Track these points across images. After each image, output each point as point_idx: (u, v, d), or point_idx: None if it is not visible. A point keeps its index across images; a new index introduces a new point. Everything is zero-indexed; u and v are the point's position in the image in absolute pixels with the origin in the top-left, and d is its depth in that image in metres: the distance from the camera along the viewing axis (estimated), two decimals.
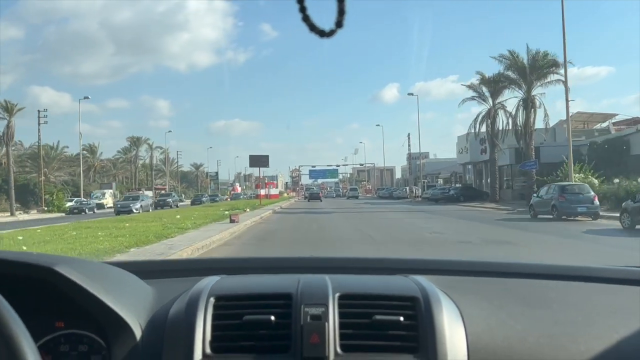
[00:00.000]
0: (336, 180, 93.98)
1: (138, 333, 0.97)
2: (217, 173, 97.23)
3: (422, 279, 1.12)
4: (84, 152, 55.40)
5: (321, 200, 51.65)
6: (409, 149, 53.85)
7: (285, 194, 68.41)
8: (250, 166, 44.63)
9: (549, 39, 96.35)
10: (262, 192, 50.90)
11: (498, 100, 33.23)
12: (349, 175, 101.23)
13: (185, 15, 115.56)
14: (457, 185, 43.84)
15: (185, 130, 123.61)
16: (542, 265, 1.38)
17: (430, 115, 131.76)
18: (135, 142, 65.75)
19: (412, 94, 62.15)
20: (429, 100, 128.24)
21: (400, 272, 1.25)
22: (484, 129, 32.85)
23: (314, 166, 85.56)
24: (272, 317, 0.97)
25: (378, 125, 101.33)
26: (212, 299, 1.01)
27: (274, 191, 61.86)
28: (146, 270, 1.33)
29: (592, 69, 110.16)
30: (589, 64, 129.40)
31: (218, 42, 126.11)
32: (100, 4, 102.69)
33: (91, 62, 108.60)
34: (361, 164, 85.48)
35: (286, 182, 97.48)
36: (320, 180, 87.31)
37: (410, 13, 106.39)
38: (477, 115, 34.42)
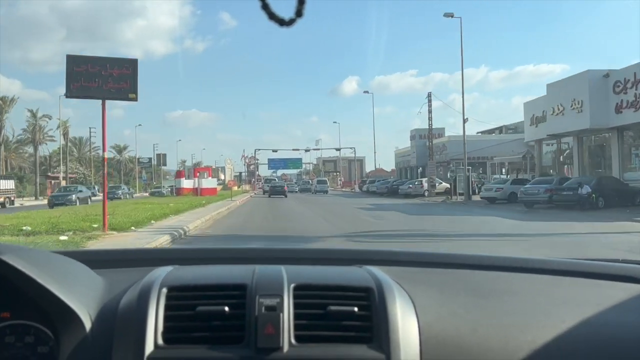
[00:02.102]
0: (298, 171, 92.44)
1: (88, 324, 1.00)
2: (151, 159, 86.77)
3: (376, 270, 1.20)
4: None
5: (286, 196, 41.96)
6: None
7: (237, 187, 57.57)
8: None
9: (504, 36, 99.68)
10: (188, 184, 41.91)
11: None
12: (312, 167, 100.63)
13: (141, 1, 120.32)
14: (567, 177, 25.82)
15: (141, 120, 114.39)
16: (493, 257, 1.52)
17: (389, 109, 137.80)
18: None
19: (367, 92, 56.57)
20: (388, 94, 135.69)
21: (354, 263, 1.33)
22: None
23: (275, 150, 75.77)
24: (226, 308, 1.02)
25: (335, 122, 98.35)
26: (164, 290, 1.06)
27: (208, 183, 48.71)
28: (96, 260, 1.38)
29: (548, 66, 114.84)
30: (544, 62, 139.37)
31: (175, 30, 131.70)
32: None
33: (41, 48, 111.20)
34: (337, 149, 77.42)
35: (240, 173, 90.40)
36: (280, 172, 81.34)
37: (370, 5, 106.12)
38: None
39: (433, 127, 39.84)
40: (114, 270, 1.31)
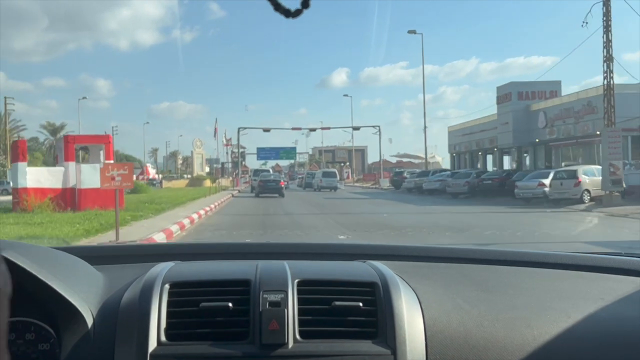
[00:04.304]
0: (290, 162, 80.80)
1: (89, 321, 1.07)
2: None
3: (380, 265, 1.28)
4: None
5: (282, 195, 32.01)
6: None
7: (211, 183, 44.29)
8: None
9: (496, 26, 76.96)
10: (38, 177, 16.38)
11: None
12: (307, 157, 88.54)
13: None
14: None
15: (126, 111, 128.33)
16: (497, 251, 1.60)
17: (379, 102, 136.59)
18: None
19: (347, 95, 64.91)
20: (378, 86, 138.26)
21: (358, 257, 1.42)
22: None
23: (266, 130, 56.32)
24: (230, 304, 1.09)
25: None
26: (167, 286, 1.13)
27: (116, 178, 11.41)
28: (96, 256, 1.45)
29: (538, 58, 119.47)
30: (535, 54, 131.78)
31: (162, 20, 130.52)
32: None
33: (24, 37, 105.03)
34: (355, 128, 59.75)
35: (223, 164, 69.30)
36: (270, 163, 66.59)
37: None
38: None
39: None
40: (114, 267, 1.38)
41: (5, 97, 54.55)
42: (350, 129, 60.98)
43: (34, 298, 1.03)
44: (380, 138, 57.61)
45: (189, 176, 64.94)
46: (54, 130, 66.72)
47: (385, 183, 49.89)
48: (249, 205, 25.17)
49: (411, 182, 37.98)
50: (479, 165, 42.75)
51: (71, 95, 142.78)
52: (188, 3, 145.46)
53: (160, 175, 74.54)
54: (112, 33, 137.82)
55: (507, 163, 42.08)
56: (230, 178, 57.84)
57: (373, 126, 59.57)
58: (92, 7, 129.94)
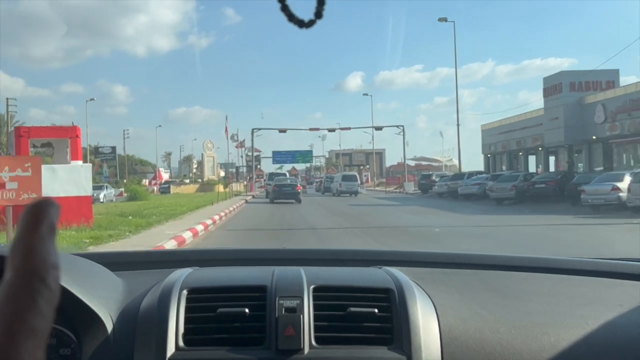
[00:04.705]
0: (307, 166, 79.35)
1: (109, 326, 1.08)
2: (114, 148, 65.62)
3: (395, 271, 1.28)
4: None
5: (299, 201, 29.30)
6: None
7: (223, 188, 39.09)
8: None
9: (512, 29, 76.48)
10: None
11: None
12: (324, 160, 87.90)
13: None
14: None
15: (143, 117, 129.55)
16: (513, 257, 1.58)
17: (394, 105, 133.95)
18: None
19: (366, 94, 61.51)
20: (393, 90, 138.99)
21: (374, 263, 1.43)
22: None
23: (282, 131, 53.19)
24: (247, 310, 1.10)
25: (365, 94, 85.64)
26: (184, 292, 1.14)
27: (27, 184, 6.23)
28: (116, 262, 1.47)
29: (555, 60, 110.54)
30: (552, 56, 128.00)
31: (178, 26, 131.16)
32: None
33: (43, 44, 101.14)
34: (377, 128, 56.39)
35: (237, 168, 68.23)
36: (286, 167, 64.07)
37: (375, 1, 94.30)
38: None
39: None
40: (134, 272, 1.40)
41: (7, 99, 51.79)
42: (371, 130, 58.16)
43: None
44: (404, 138, 53.61)
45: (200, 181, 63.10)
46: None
47: (410, 187, 46.63)
48: (262, 214, 21.68)
49: (443, 186, 33.87)
50: (518, 167, 37.83)
51: (89, 101, 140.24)
52: (204, 9, 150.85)
53: (172, 180, 72.83)
54: (130, 39, 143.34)
55: (553, 164, 37.30)
56: (245, 182, 54.92)
57: (396, 126, 55.71)
58: (110, 13, 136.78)
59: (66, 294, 0.99)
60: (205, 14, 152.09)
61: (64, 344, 1.05)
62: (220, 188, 40.58)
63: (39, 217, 0.38)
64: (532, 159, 40.15)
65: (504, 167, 40.70)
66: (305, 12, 0.53)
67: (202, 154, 65.02)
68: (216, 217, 17.41)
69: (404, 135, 52.98)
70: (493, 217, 18.48)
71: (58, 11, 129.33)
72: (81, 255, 1.37)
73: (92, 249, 10.23)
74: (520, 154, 40.20)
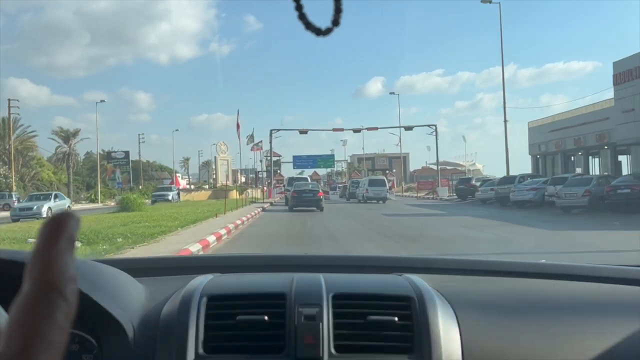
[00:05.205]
0: (328, 170, 78.01)
1: (130, 332, 1.08)
2: (128, 153, 62.98)
3: (416, 278, 1.25)
4: None
5: (321, 209, 25.73)
6: None
7: (239, 194, 35.46)
8: None
9: (534, 32, 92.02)
10: None
11: None
12: (345, 165, 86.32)
13: (165, 5, 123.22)
14: None
15: (166, 124, 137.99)
16: (536, 264, 1.54)
17: (415, 110, 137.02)
18: None
19: (393, 93, 61.89)
20: (413, 95, 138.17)
21: (394, 270, 1.40)
22: None
23: (303, 132, 50.08)
24: (266, 317, 1.09)
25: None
26: (205, 299, 1.15)
27: None
28: (138, 268, 1.48)
29: (578, 63, 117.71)
30: (574, 59, 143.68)
31: (200, 33, 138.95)
32: None
33: (67, 53, 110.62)
34: (407, 128, 51.42)
35: (257, 172, 64.88)
36: (307, 172, 60.32)
37: (395, 6, 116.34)
38: None
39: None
40: (155, 279, 1.41)
41: (9, 100, 47.86)
42: (393, 134, 54.16)
43: (78, 310, 0.81)
44: (436, 139, 48.37)
45: (216, 187, 56.52)
46: (65, 137, 57.47)
47: (444, 192, 42.04)
48: (278, 227, 16.83)
49: (487, 192, 29.25)
50: (578, 170, 31.66)
51: (112, 109, 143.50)
52: (225, 16, 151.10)
53: (190, 185, 69.16)
54: (152, 47, 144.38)
55: (629, 164, 30.85)
56: (265, 187, 49.84)
57: (428, 125, 50.27)
58: (133, 22, 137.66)
59: (89, 301, 1.01)
60: (226, 21, 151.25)
61: (86, 349, 1.05)
62: (235, 195, 36.06)
63: (58, 229, 0.38)
64: (595, 161, 34.25)
65: (556, 170, 34.71)
66: (323, 19, 0.53)
67: (215, 157, 57.72)
68: (222, 232, 12.85)
69: (436, 135, 48.37)
70: (592, 233, 13.05)
71: (82, 21, 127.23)
72: (103, 262, 1.35)
73: None
74: (580, 153, 34.24)
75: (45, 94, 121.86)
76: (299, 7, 0.51)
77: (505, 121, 34.78)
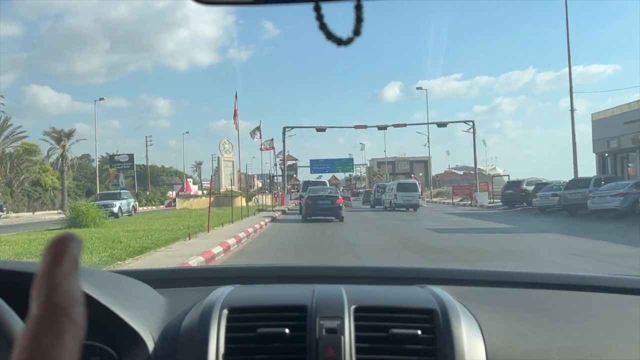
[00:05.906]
0: (347, 175, 75.24)
1: (150, 345, 1.08)
2: (132, 156, 57.99)
3: (439, 290, 1.23)
4: None
5: (342, 219, 21.02)
6: None
7: (248, 201, 28.84)
8: None
9: (553, 36, 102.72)
10: None
11: None
12: (364, 169, 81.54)
13: (184, 12, 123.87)
14: None
15: (185, 129, 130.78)
16: (561, 275, 1.50)
17: (433, 115, 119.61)
18: None
19: (420, 88, 51.47)
20: (430, 99, 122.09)
21: (416, 282, 1.38)
22: None
23: (321, 129, 44.55)
24: (287, 330, 1.08)
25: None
26: (225, 311, 1.14)
27: None
28: (158, 279, 1.48)
29: (598, 67, 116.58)
30: (594, 62, 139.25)
31: (218, 40, 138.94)
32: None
33: (87, 60, 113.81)
34: (440, 125, 45.05)
35: (272, 177, 61.95)
36: (325, 177, 53.44)
37: (414, 10, 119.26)
38: None
39: None
40: (175, 290, 1.40)
41: None
42: (415, 138, 48.77)
43: (98, 322, 1.02)
44: (474, 136, 41.67)
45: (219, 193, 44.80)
46: (58, 137, 51.40)
47: (484, 198, 36.17)
48: (286, 247, 11.82)
49: (548, 198, 23.87)
50: None
51: (132, 115, 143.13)
52: (244, 22, 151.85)
53: (202, 191, 60.33)
54: (171, 54, 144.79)
55: None
56: (280, 193, 43.44)
57: (464, 122, 43.98)
58: (152, 29, 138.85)
59: (108, 313, 1.01)
60: (244, 27, 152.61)
61: None
62: (243, 201, 29.20)
63: (61, 252, 0.38)
64: None
65: (633, 171, 27.67)
66: (343, 28, 0.52)
67: (218, 158, 46.32)
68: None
69: (474, 132, 41.95)
70: None
71: (102, 28, 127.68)
72: (124, 273, 1.34)
73: None
74: None
75: (66, 101, 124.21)
76: (319, 17, 0.51)
77: (572, 110, 28.22)
